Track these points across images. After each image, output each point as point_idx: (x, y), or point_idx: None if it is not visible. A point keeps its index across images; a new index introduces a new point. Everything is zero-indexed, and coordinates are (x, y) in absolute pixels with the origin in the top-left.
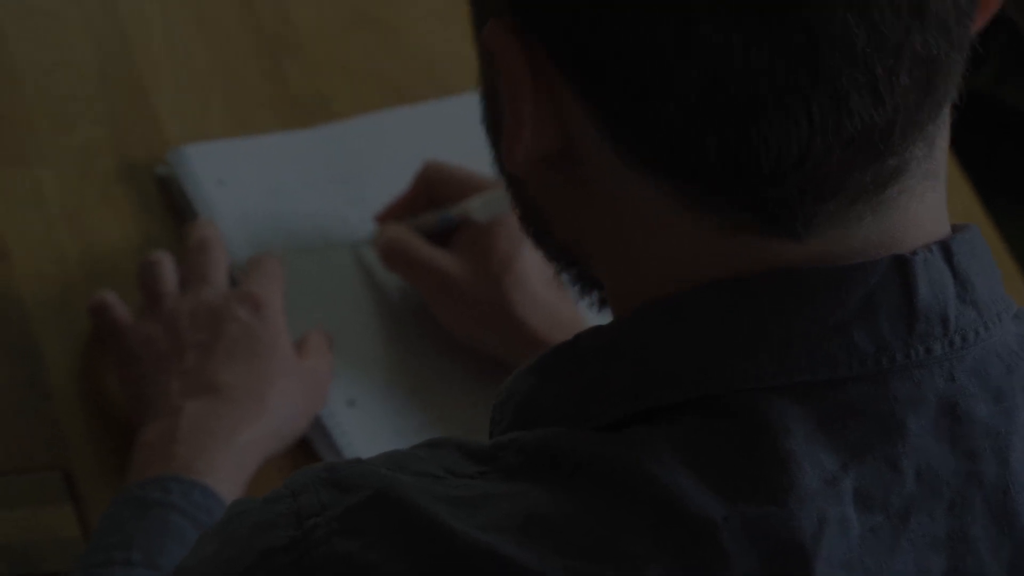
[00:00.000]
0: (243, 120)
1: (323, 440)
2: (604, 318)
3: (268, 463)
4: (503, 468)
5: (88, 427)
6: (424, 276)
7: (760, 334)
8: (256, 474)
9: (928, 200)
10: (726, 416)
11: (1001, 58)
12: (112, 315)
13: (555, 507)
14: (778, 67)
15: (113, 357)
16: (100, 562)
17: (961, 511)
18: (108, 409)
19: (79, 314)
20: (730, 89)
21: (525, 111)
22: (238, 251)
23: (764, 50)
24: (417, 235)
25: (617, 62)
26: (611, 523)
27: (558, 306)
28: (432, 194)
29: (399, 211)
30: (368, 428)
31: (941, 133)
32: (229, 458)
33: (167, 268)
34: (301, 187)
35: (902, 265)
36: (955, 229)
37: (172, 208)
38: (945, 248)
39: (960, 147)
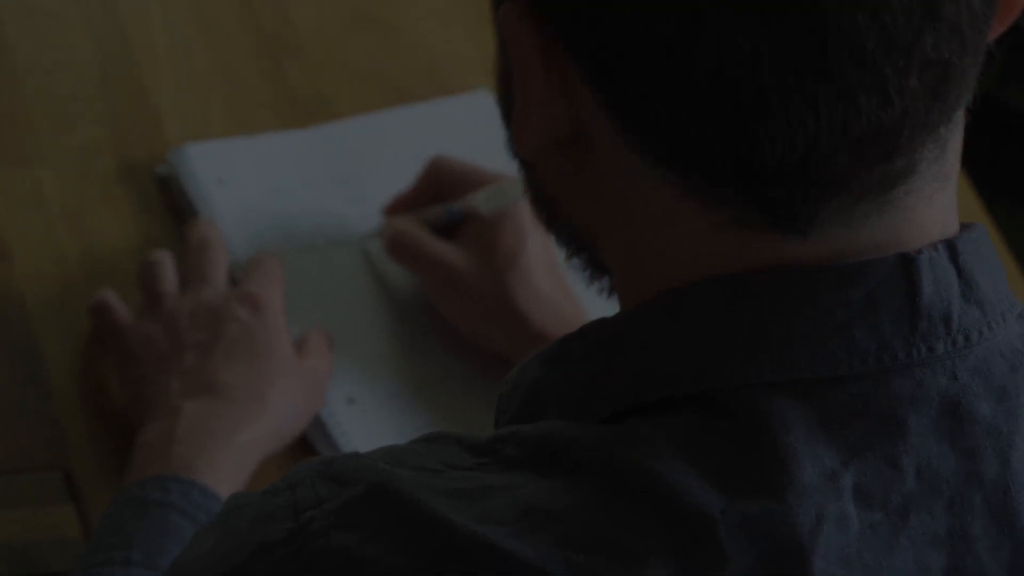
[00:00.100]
0: (243, 120)
1: (323, 438)
2: (613, 305)
3: (268, 462)
4: (502, 460)
5: (88, 427)
6: (429, 268)
7: (761, 331)
8: (256, 473)
9: (936, 201)
10: (726, 412)
11: (1005, 61)
12: (112, 315)
13: (554, 500)
14: (786, 66)
15: (113, 357)
16: (100, 562)
17: (961, 510)
18: (108, 409)
19: (79, 314)
20: (737, 86)
21: (536, 95)
22: (238, 250)
23: (772, 48)
24: (424, 228)
25: (626, 54)
26: (610, 517)
27: (561, 302)
28: (439, 188)
29: (406, 204)
30: (367, 426)
31: (954, 136)
32: (229, 458)
33: (167, 268)
34: (301, 186)
35: (907, 264)
36: (962, 228)
37: (172, 208)
38: (951, 247)
39: (963, 149)
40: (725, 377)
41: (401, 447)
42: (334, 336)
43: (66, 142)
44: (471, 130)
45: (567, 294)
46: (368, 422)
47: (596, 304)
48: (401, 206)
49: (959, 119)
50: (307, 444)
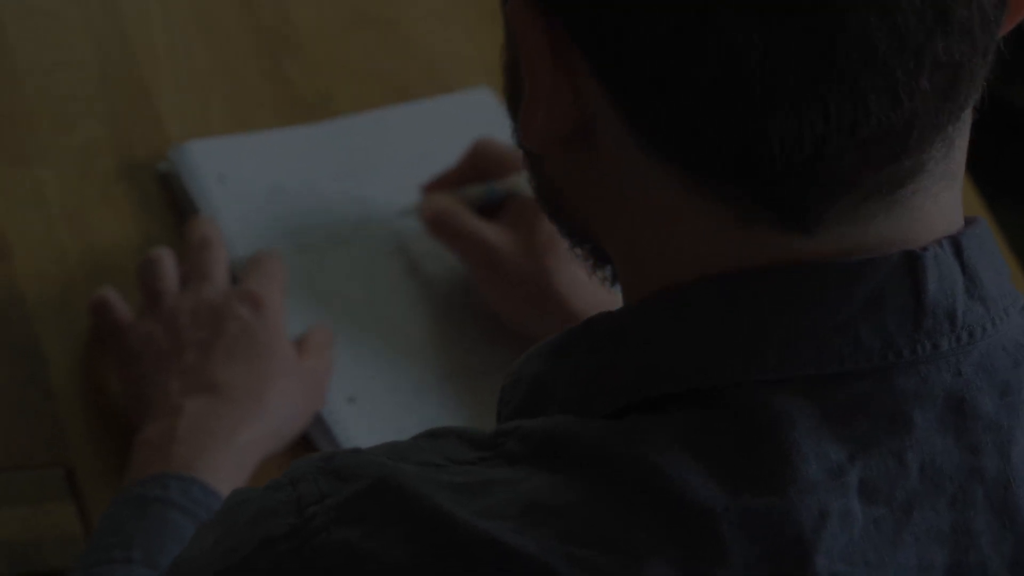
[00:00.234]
0: (244, 119)
1: (323, 437)
2: (618, 294)
3: (267, 461)
4: (505, 455)
5: (89, 425)
6: (471, 247)
7: (766, 327)
8: (256, 472)
9: (943, 199)
10: (730, 408)
11: (1010, 60)
12: (112, 313)
13: (557, 495)
14: (796, 65)
15: (113, 355)
16: (100, 561)
17: (963, 505)
18: (108, 407)
19: (80, 313)
20: (746, 84)
21: (543, 88)
22: (238, 248)
23: (782, 47)
24: (465, 206)
25: (634, 50)
26: (613, 512)
27: (596, 288)
28: (482, 170)
29: (447, 184)
30: (368, 425)
31: (961, 134)
32: (229, 458)
33: (168, 266)
34: (302, 184)
35: (912, 261)
36: (965, 223)
37: (173, 207)
38: (955, 243)
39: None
40: (729, 373)
41: (404, 442)
42: (334, 335)
43: (66, 142)
44: (472, 127)
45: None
46: (369, 421)
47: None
48: (442, 184)
49: (967, 117)
50: (307, 444)
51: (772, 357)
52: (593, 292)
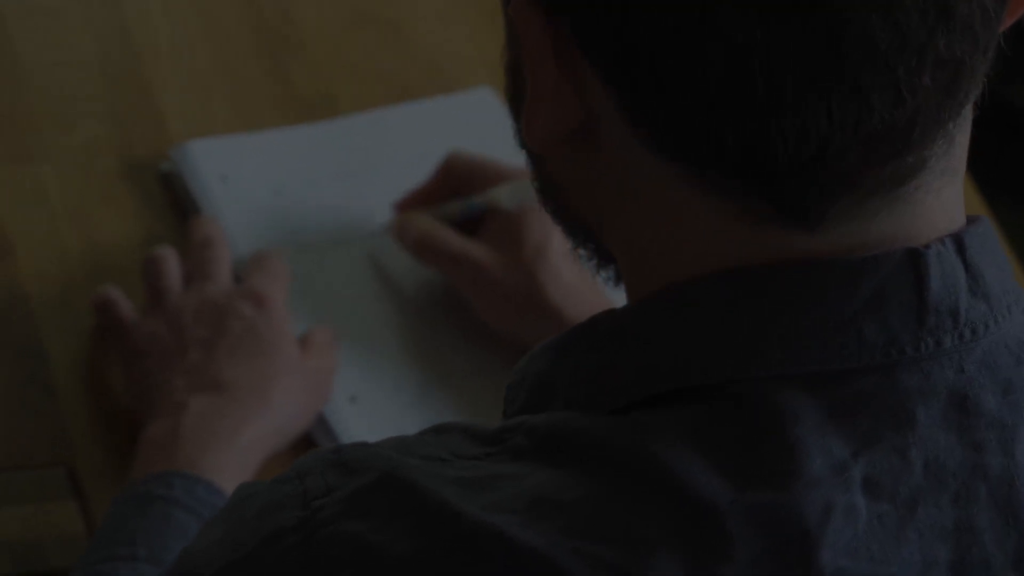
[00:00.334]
0: (246, 118)
1: (325, 436)
2: (621, 293)
3: (271, 459)
4: (511, 450)
5: (91, 423)
6: (458, 267)
7: (770, 324)
8: (260, 470)
9: (945, 195)
10: (735, 404)
11: (1009, 59)
12: (116, 311)
13: (563, 489)
14: (799, 63)
15: (117, 354)
16: (103, 558)
17: (967, 502)
18: (111, 406)
19: (82, 311)
20: (751, 83)
21: (546, 87)
22: (241, 247)
23: (786, 47)
24: (446, 226)
25: (638, 48)
26: (618, 506)
27: (589, 292)
28: (454, 183)
29: (419, 200)
30: (370, 424)
31: (962, 131)
32: (232, 456)
33: (171, 264)
34: (304, 183)
35: (915, 258)
36: (968, 220)
37: (175, 205)
38: (958, 241)
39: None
40: (733, 370)
41: (410, 437)
42: (336, 334)
43: (69, 140)
44: (474, 127)
45: (594, 285)
46: (371, 420)
47: (620, 294)
48: (415, 201)
49: (967, 114)
50: (310, 443)
51: (776, 354)
52: (586, 298)
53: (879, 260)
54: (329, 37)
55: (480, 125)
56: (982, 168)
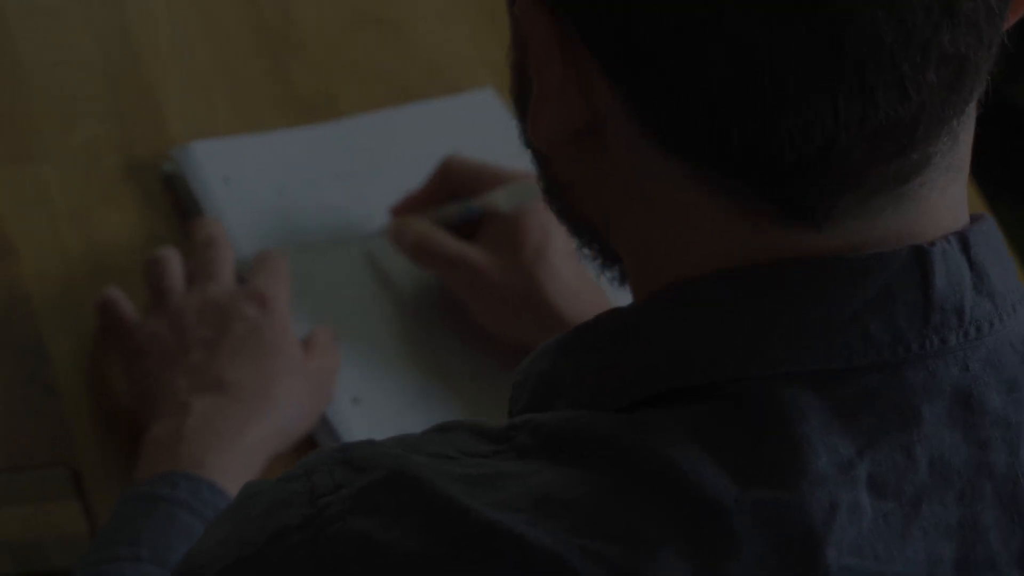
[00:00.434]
0: (247, 118)
1: (328, 437)
2: (626, 295)
3: (274, 460)
4: (517, 447)
5: (94, 424)
6: (456, 271)
7: (776, 322)
8: (263, 472)
9: (949, 193)
10: (740, 402)
11: (1012, 57)
12: (118, 312)
13: (569, 488)
14: (805, 60)
15: (119, 354)
16: (106, 559)
17: (971, 500)
18: (113, 406)
19: (84, 311)
20: (757, 81)
21: (553, 86)
22: (244, 248)
23: (792, 44)
24: (443, 229)
25: (645, 47)
26: (624, 505)
27: (590, 293)
28: (451, 187)
29: (416, 204)
30: (373, 426)
31: (966, 128)
32: (236, 457)
33: (174, 265)
34: (307, 184)
35: (920, 256)
36: (972, 219)
37: (177, 205)
38: (963, 239)
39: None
40: (739, 367)
41: (416, 435)
42: (339, 335)
43: (70, 140)
44: (476, 128)
45: (595, 286)
46: (374, 422)
47: (621, 295)
48: (411, 205)
49: (971, 111)
50: (313, 444)
51: (781, 351)
52: (586, 299)
53: (884, 258)
54: (329, 37)
55: (482, 126)
56: (984, 167)
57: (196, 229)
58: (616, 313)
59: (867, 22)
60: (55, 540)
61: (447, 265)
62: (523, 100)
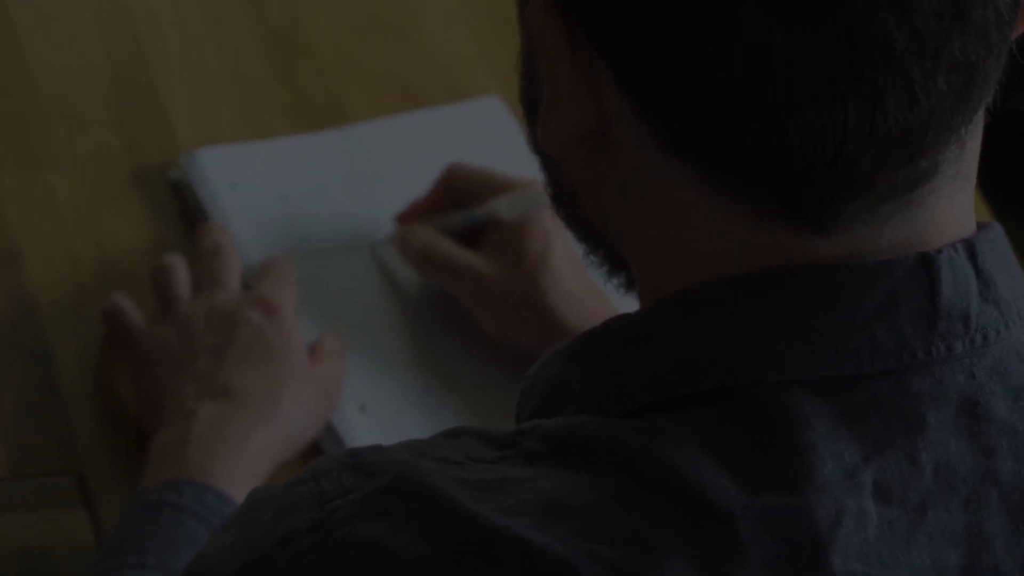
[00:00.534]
0: (255, 124)
1: (334, 444)
2: (630, 300)
3: (280, 467)
4: (524, 453)
5: (100, 431)
6: (460, 279)
7: (783, 328)
8: (269, 479)
9: (957, 201)
10: (747, 407)
11: (1019, 68)
12: (125, 319)
13: (576, 494)
14: (817, 65)
15: (126, 361)
16: (113, 566)
17: (977, 507)
18: (120, 413)
19: (91, 318)
20: (768, 85)
21: (563, 91)
22: (250, 255)
23: (805, 48)
24: (447, 238)
25: (656, 52)
26: (632, 511)
27: (593, 300)
28: (455, 195)
29: (420, 212)
30: (379, 433)
31: (973, 136)
32: (242, 464)
33: (180, 272)
34: (313, 191)
35: (927, 263)
36: (979, 227)
37: (184, 212)
38: (969, 247)
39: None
40: (746, 373)
41: (424, 441)
42: (346, 342)
43: (78, 147)
44: (481, 136)
45: (598, 292)
46: (380, 429)
47: (626, 301)
48: (415, 213)
49: (979, 120)
50: (318, 452)
51: (788, 358)
52: (587, 307)
53: (891, 265)
54: (337, 43)
55: (487, 134)
56: (991, 178)
57: (202, 236)
58: (624, 319)
59: (879, 28)
60: (62, 547)
61: (451, 273)
62: (532, 107)
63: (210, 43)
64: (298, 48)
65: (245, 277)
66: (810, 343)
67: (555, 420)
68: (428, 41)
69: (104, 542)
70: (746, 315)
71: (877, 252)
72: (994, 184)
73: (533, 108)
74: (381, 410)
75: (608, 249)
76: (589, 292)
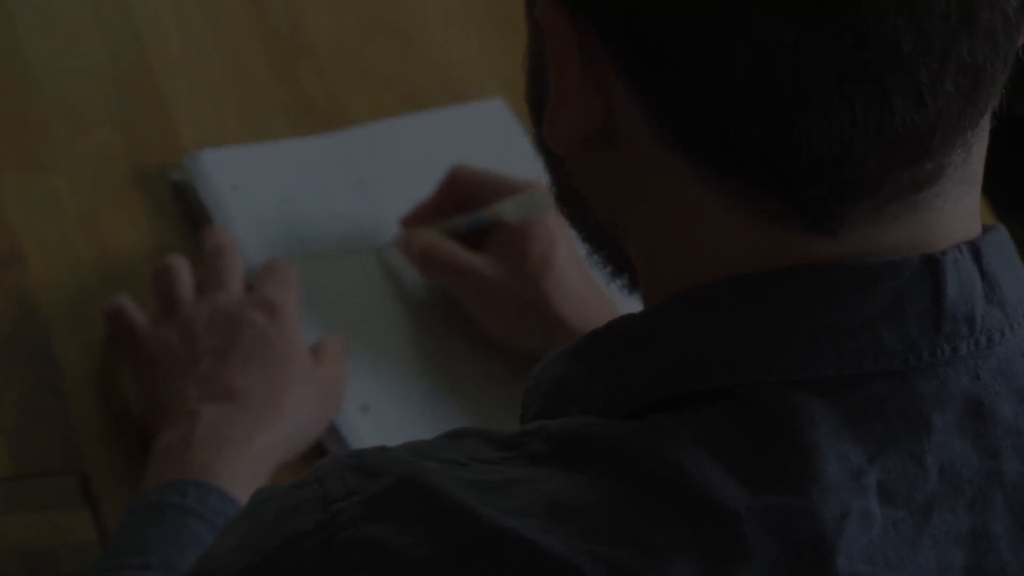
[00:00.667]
0: (257, 126)
1: (337, 446)
2: (633, 302)
3: (282, 468)
4: (528, 454)
5: (103, 432)
6: (464, 281)
7: (788, 328)
8: (270, 479)
9: (962, 204)
10: (751, 407)
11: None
12: (128, 321)
13: (580, 495)
14: (825, 65)
15: (129, 363)
16: (116, 567)
17: (982, 508)
18: (123, 414)
19: (94, 319)
20: (776, 84)
21: (571, 89)
22: (253, 256)
23: (813, 48)
24: (451, 240)
25: (665, 50)
26: (636, 512)
27: (596, 302)
28: (460, 197)
29: (425, 214)
30: (382, 434)
31: (979, 139)
32: (245, 464)
33: (183, 273)
34: (315, 193)
35: (932, 265)
36: (984, 230)
37: (187, 214)
38: (974, 249)
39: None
40: (750, 373)
41: (427, 442)
42: (348, 343)
43: (80, 148)
44: (484, 138)
45: (601, 294)
46: (383, 430)
47: (628, 301)
48: (420, 215)
49: (985, 124)
50: (321, 452)
51: (792, 358)
52: (590, 309)
53: (896, 266)
54: (338, 44)
55: (490, 136)
56: (996, 182)
57: (205, 237)
58: (628, 319)
59: (887, 29)
60: (64, 548)
61: (455, 275)
62: (539, 105)
63: (211, 44)
64: (299, 49)
65: (247, 279)
66: (814, 343)
67: (559, 421)
68: (429, 42)
69: (108, 542)
70: (751, 315)
71: (882, 253)
72: (999, 189)
73: (540, 107)
74: (384, 411)
75: (612, 250)
76: (592, 293)
